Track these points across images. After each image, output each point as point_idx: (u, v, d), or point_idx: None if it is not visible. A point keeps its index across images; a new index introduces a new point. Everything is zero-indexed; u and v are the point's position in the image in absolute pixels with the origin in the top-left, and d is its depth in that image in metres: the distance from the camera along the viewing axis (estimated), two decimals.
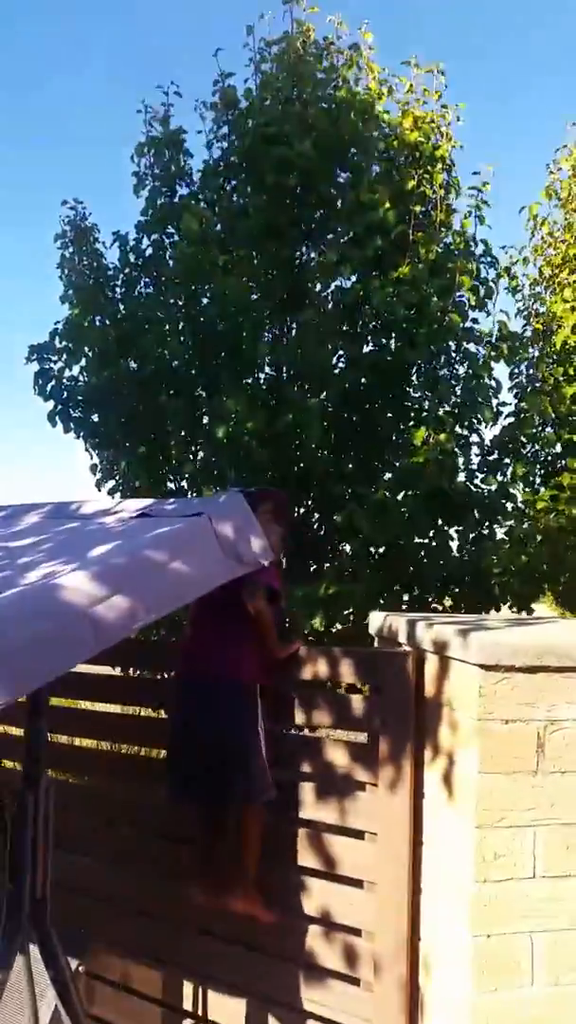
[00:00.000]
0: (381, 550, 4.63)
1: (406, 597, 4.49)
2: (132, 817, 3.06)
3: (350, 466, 4.45)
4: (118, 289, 5.22)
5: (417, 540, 4.57)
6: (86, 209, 5.53)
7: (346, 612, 4.07)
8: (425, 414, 4.81)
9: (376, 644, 2.84)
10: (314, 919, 2.54)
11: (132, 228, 5.27)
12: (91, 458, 4.78)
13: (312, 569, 4.38)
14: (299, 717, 2.60)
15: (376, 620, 2.83)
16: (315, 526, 4.50)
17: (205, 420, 4.31)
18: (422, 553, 4.61)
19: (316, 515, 4.53)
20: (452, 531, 4.82)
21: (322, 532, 4.41)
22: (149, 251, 5.28)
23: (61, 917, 2.09)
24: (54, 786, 2.04)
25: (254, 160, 5.07)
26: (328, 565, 4.03)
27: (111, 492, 5.12)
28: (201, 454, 4.43)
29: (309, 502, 4.61)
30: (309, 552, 4.55)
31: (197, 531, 2.39)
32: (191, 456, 4.46)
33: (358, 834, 2.49)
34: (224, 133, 5.15)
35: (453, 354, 5.08)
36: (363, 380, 4.70)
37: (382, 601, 4.24)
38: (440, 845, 2.31)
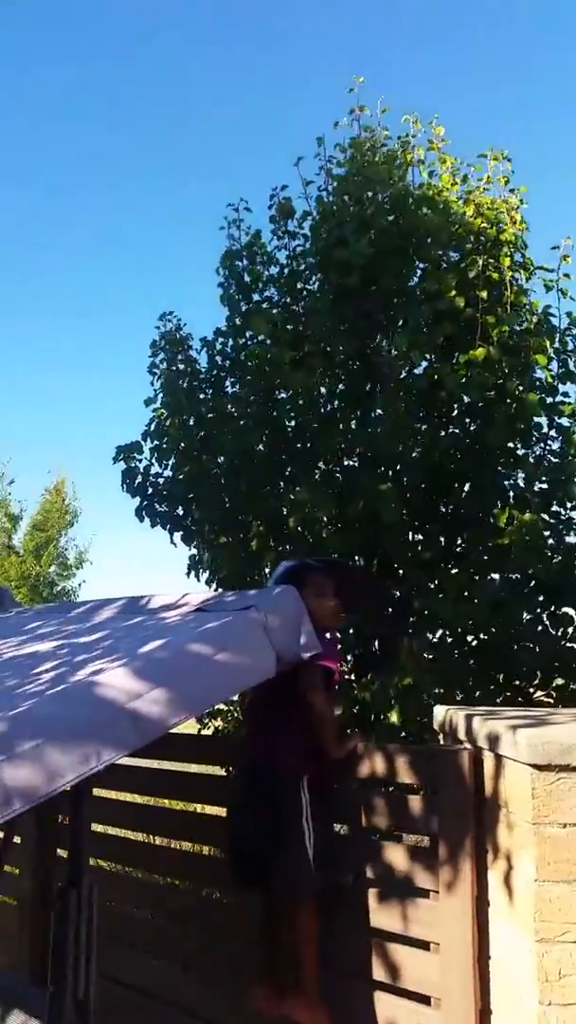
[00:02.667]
0: (471, 639, 4.51)
1: (494, 687, 4.31)
2: (195, 916, 3.04)
3: (428, 553, 4.39)
4: (208, 391, 5.52)
5: (512, 629, 4.44)
6: (181, 320, 5.93)
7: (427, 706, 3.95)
8: (512, 496, 4.73)
9: (441, 741, 2.75)
10: None
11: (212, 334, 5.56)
12: (176, 549, 4.98)
13: (391, 660, 4.29)
14: (358, 817, 2.53)
15: (439, 714, 2.74)
16: (394, 614, 4.44)
17: (284, 511, 4.39)
18: (516, 642, 4.45)
19: (395, 603, 4.46)
20: (546, 616, 4.65)
21: (401, 620, 4.34)
22: (231, 355, 5.55)
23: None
24: (100, 884, 2.06)
25: (324, 264, 5.32)
26: (406, 655, 3.93)
27: (207, 583, 5.26)
28: (281, 545, 4.50)
29: (388, 589, 4.56)
30: (388, 642, 4.48)
31: (246, 624, 2.42)
32: (271, 546, 4.54)
33: (424, 944, 2.36)
34: (285, 242, 5.42)
35: (544, 431, 5.01)
36: (440, 464, 4.68)
37: (462, 695, 4.10)
38: (506, 961, 2.15)
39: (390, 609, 4.46)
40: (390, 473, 4.61)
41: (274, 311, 5.51)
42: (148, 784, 3.40)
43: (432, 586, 4.34)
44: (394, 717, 3.72)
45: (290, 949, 2.46)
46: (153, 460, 4.95)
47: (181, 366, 5.60)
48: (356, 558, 4.46)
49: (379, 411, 4.73)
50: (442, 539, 4.60)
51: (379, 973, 2.41)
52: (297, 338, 5.13)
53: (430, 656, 4.03)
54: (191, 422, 4.89)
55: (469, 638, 4.50)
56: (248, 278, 5.68)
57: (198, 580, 5.27)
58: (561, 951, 1.97)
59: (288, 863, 2.36)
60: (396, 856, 2.42)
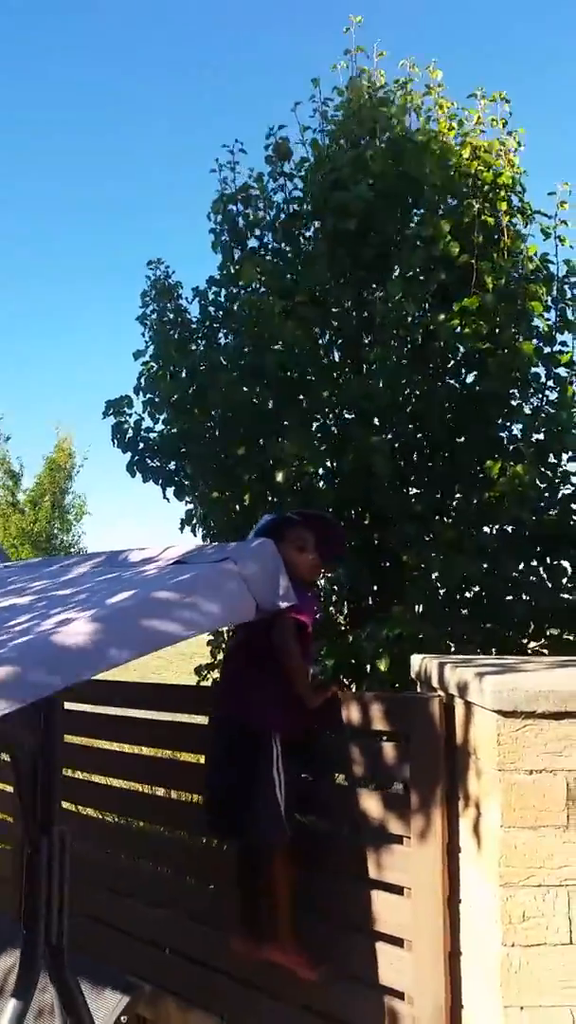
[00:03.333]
0: (467, 590, 4.50)
1: (487, 639, 4.30)
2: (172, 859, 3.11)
3: (420, 505, 4.34)
4: (200, 343, 5.43)
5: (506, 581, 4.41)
6: (169, 267, 5.81)
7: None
8: (507, 447, 4.67)
9: (418, 689, 2.74)
10: (357, 978, 2.44)
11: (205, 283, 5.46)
12: (170, 504, 4.97)
13: (385, 611, 4.28)
14: (332, 766, 2.54)
15: (415, 663, 2.73)
16: (386, 566, 4.42)
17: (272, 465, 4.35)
18: (509, 594, 4.43)
19: (387, 556, 4.44)
20: (542, 569, 4.61)
21: (393, 572, 4.32)
22: (224, 304, 5.45)
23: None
24: (71, 832, 2.08)
25: (320, 208, 5.19)
26: (397, 607, 3.92)
27: (203, 539, 5.25)
28: (274, 499, 4.46)
29: (378, 542, 4.53)
30: (380, 593, 4.47)
31: (221, 574, 2.41)
32: (264, 500, 4.51)
33: (399, 890, 2.38)
34: (282, 184, 5.28)
35: (542, 382, 4.91)
36: (435, 415, 4.61)
37: (454, 646, 4.09)
38: (475, 905, 2.17)
39: (387, 563, 4.44)
40: (385, 426, 4.55)
41: (268, 258, 5.40)
42: (145, 736, 3.43)
43: (426, 539, 4.30)
44: (383, 666, 3.72)
45: (265, 896, 2.49)
46: (144, 414, 4.91)
47: (171, 315, 5.51)
48: (350, 512, 4.43)
49: (373, 362, 4.65)
50: (436, 492, 4.55)
51: (355, 917, 2.44)
52: (289, 286, 5.04)
53: (421, 608, 4.01)
54: (183, 374, 4.83)
55: (466, 590, 4.49)
56: (243, 223, 5.55)
57: (194, 535, 5.27)
58: (525, 895, 1.98)
59: (259, 813, 2.37)
60: (370, 804, 2.43)
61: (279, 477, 4.02)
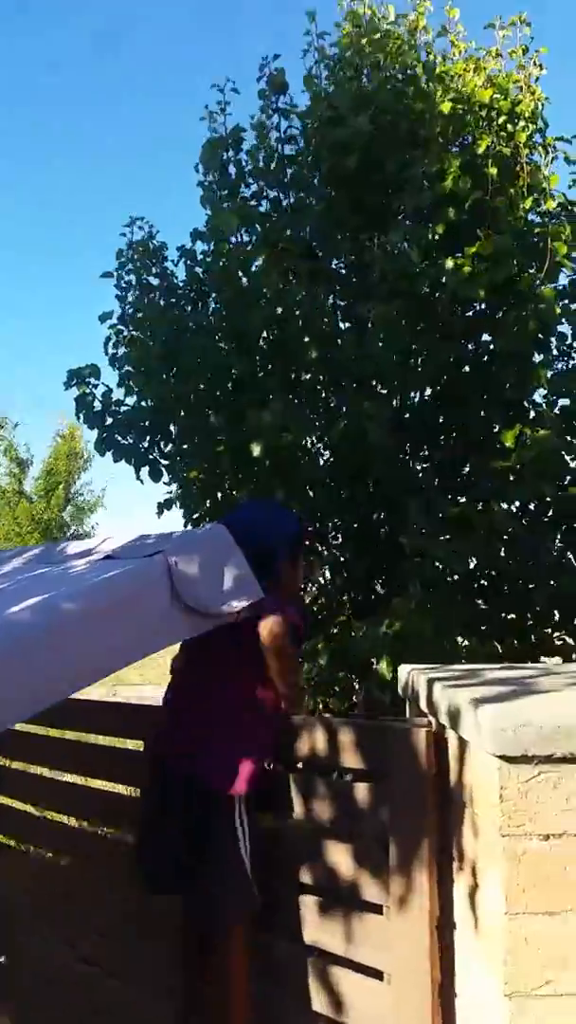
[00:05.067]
0: (480, 576, 3.92)
1: (504, 631, 3.73)
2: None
3: (423, 480, 3.76)
4: (186, 307, 4.86)
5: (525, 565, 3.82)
6: (153, 227, 5.23)
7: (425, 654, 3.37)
8: (526, 413, 4.08)
9: (407, 709, 2.19)
10: None
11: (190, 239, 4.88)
12: (144, 485, 4.42)
13: (382, 603, 3.72)
14: (295, 807, 2.00)
15: (402, 676, 2.17)
16: (389, 550, 3.84)
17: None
18: (529, 580, 3.85)
19: (391, 538, 3.86)
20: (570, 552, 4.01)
21: (396, 557, 3.74)
22: (211, 263, 4.87)
23: None
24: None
25: (317, 147, 4.59)
26: (397, 597, 3.36)
27: (184, 524, 4.72)
28: (252, 478, 3.90)
29: (381, 523, 3.96)
30: (386, 582, 3.91)
31: (141, 578, 1.90)
32: (245, 480, 3.95)
33: (377, 973, 1.84)
34: (276, 123, 4.67)
35: (569, 343, 4.30)
36: (441, 378, 4.03)
37: (466, 640, 3.52)
38: (475, 1005, 1.62)
39: (389, 547, 3.86)
40: (384, 391, 3.97)
41: (260, 206, 4.82)
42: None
43: (431, 518, 3.72)
44: (384, 669, 3.16)
45: (217, 981, 1.98)
46: (114, 386, 4.35)
47: (155, 280, 4.95)
48: (344, 491, 3.85)
49: (371, 319, 4.06)
50: (443, 465, 3.97)
51: (320, 1004, 1.91)
52: (278, 236, 4.46)
53: (423, 598, 3.44)
54: (155, 339, 4.27)
55: (479, 576, 3.91)
56: (234, 171, 4.95)
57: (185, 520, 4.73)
58: (540, 1009, 1.42)
59: (221, 889, 1.87)
60: (340, 859, 1.89)
61: (256, 451, 3.46)
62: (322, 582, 4.37)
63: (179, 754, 2.04)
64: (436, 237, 4.04)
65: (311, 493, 4.00)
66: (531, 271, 3.96)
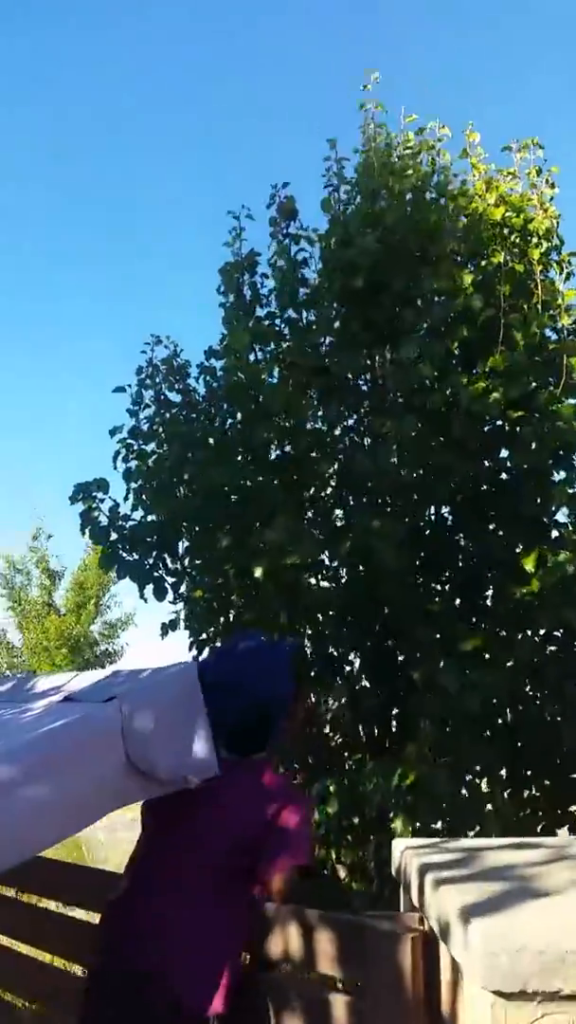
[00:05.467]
0: (500, 715, 3.60)
1: (531, 779, 3.38)
2: None
3: (437, 606, 3.52)
4: (205, 423, 4.82)
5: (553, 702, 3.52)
6: (178, 345, 5.27)
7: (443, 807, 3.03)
8: (547, 533, 3.86)
9: (401, 898, 1.87)
10: None
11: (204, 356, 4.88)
12: (147, 604, 4.24)
13: (401, 740, 3.42)
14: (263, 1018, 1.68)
15: (395, 854, 1.86)
16: (400, 680, 3.56)
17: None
18: (558, 717, 3.53)
19: (401, 666, 3.60)
20: None
21: (410, 692, 3.46)
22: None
23: None
24: None
25: (328, 268, 4.62)
26: (411, 744, 3.06)
27: (191, 648, 4.48)
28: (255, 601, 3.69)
29: (386, 649, 3.70)
30: (402, 718, 3.61)
31: (92, 728, 1.68)
32: (251, 602, 3.75)
33: None
34: (287, 246, 4.73)
35: None
36: (458, 496, 3.85)
37: (488, 788, 3.19)
38: None
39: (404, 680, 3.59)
40: (397, 509, 3.79)
41: (275, 325, 4.83)
42: None
43: (446, 648, 3.46)
44: (399, 827, 2.83)
45: None
46: (122, 500, 4.25)
47: (176, 396, 4.93)
48: (353, 616, 3.62)
49: (383, 435, 3.94)
50: (459, 589, 3.73)
51: None
52: (291, 354, 4.42)
53: (439, 737, 3.14)
54: (163, 453, 4.18)
55: (500, 715, 3.59)
56: (248, 292, 5.01)
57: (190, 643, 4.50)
58: None
59: None
60: None
61: (257, 571, 3.27)
62: (335, 713, 4.08)
63: (135, 960, 1.71)
64: (449, 353, 3.95)
65: (320, 616, 3.80)
66: (548, 388, 3.84)
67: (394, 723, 3.79)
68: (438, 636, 3.35)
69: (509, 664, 3.34)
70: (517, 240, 4.34)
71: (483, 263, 4.24)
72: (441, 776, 2.84)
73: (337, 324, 4.58)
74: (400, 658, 3.68)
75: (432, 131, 5.04)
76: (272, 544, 3.27)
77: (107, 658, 15.87)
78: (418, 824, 2.99)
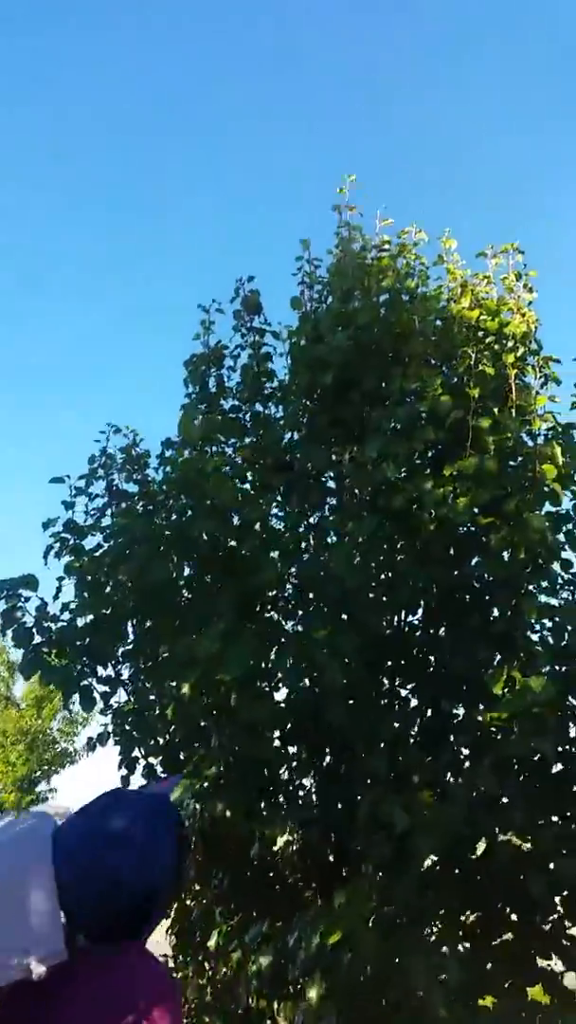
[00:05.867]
0: (461, 856, 3.13)
1: (496, 935, 2.88)
2: None
3: (389, 731, 3.11)
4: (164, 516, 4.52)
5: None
6: (137, 434, 5.06)
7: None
8: (519, 652, 3.50)
9: None
10: None
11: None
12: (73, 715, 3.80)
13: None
14: None
15: None
16: (348, 815, 3.10)
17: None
18: (526, 861, 3.06)
19: (348, 802, 3.14)
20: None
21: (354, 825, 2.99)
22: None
23: None
24: None
25: (298, 368, 4.46)
26: (341, 892, 2.59)
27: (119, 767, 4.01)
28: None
29: (338, 775, 3.26)
30: (337, 861, 3.14)
31: None
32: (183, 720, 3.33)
33: None
34: (250, 339, 4.60)
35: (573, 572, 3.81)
36: (420, 606, 3.52)
37: (446, 946, 2.70)
38: None
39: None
40: (351, 617, 3.44)
41: (239, 418, 4.63)
42: None
43: (399, 780, 3.03)
44: (313, 996, 2.33)
45: None
46: (51, 599, 3.86)
47: (134, 487, 4.66)
48: (284, 748, 3.20)
49: (340, 535, 3.65)
50: (418, 712, 3.34)
51: None
52: (249, 447, 4.20)
53: (385, 884, 2.67)
54: (109, 551, 3.85)
55: (460, 856, 3.12)
56: (213, 384, 4.84)
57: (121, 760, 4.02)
58: None
59: None
60: None
61: (184, 688, 2.88)
62: (281, 849, 3.59)
63: None
64: (415, 454, 3.71)
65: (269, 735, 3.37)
66: (522, 495, 3.58)
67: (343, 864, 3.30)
68: (393, 764, 2.93)
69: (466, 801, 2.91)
70: (492, 343, 4.19)
71: (455, 365, 4.08)
72: (370, 937, 2.36)
73: (304, 420, 4.39)
74: (343, 790, 3.24)
75: (409, 235, 5.00)
76: (202, 655, 2.89)
77: (66, 758, 14.92)
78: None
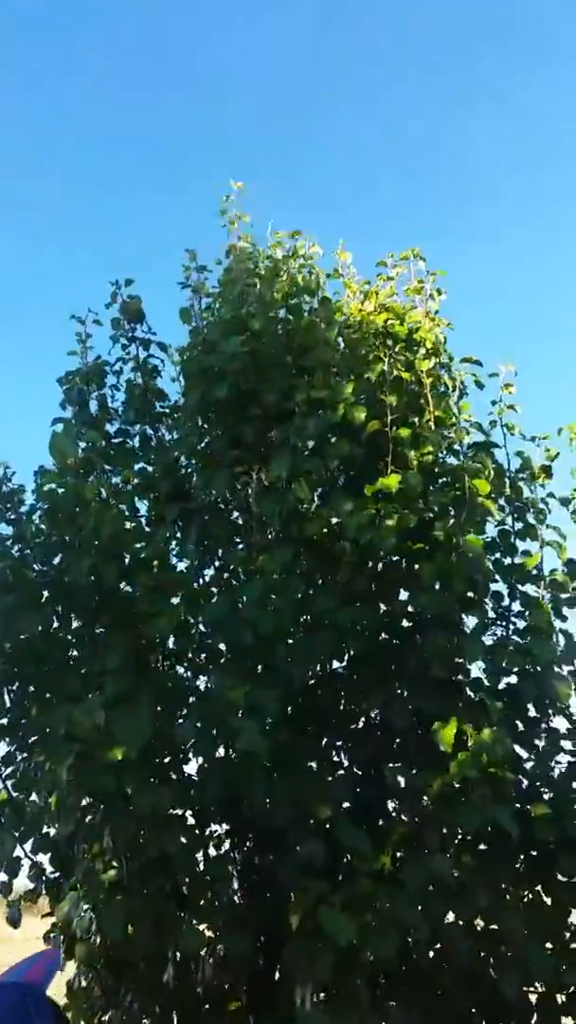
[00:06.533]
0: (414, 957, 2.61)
1: None
2: None
3: (325, 805, 2.56)
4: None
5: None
6: (8, 467, 4.34)
7: None
8: (463, 698, 3.03)
9: None
10: None
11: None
12: None
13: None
14: None
15: None
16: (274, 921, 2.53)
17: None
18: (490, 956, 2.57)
19: (268, 900, 2.58)
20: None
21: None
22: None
23: None
24: None
25: (190, 383, 3.91)
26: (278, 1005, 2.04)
27: None
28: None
29: (264, 866, 2.69)
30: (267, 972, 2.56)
31: None
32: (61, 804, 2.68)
33: None
34: (131, 352, 4.02)
35: (507, 604, 3.40)
36: (348, 648, 3.02)
37: None
38: None
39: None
40: (265, 670, 2.89)
41: (127, 443, 4.03)
42: None
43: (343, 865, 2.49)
44: None
45: None
46: None
47: (8, 528, 3.96)
48: (198, 833, 2.62)
49: (250, 572, 3.11)
50: (352, 779, 2.81)
51: None
52: (144, 476, 3.62)
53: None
54: None
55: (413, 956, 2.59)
56: (95, 405, 4.20)
57: None
58: None
59: None
60: None
61: (62, 771, 2.26)
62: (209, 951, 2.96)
63: None
64: (329, 472, 3.24)
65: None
66: (450, 517, 3.15)
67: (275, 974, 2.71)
68: (331, 849, 2.39)
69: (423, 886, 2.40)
70: (403, 349, 3.78)
71: (365, 373, 3.64)
72: None
73: (200, 443, 3.84)
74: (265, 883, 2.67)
75: (304, 248, 4.56)
76: (82, 729, 2.27)
77: None
78: None
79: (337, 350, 3.75)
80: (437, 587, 3.02)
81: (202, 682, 3.05)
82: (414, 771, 2.65)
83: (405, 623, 3.17)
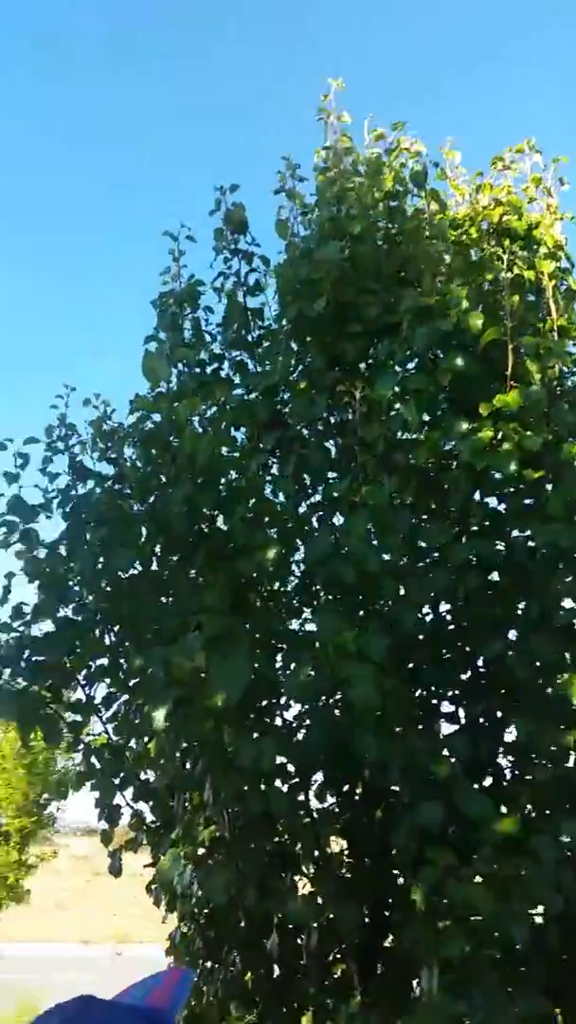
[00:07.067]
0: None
1: None
2: None
3: (444, 767, 2.32)
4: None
5: None
6: (109, 405, 4.18)
7: None
8: None
9: None
10: None
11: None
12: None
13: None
14: None
15: None
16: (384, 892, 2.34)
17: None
18: None
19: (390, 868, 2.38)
20: None
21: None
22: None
23: None
24: None
25: (286, 298, 3.58)
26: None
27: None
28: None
29: (373, 830, 2.50)
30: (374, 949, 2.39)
31: None
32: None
33: None
34: (235, 268, 3.70)
35: None
36: (462, 592, 2.72)
37: None
38: None
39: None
40: (373, 612, 2.64)
41: (222, 369, 3.78)
42: None
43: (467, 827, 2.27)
44: None
45: None
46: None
47: (110, 468, 3.81)
48: (299, 793, 2.43)
49: (353, 505, 2.83)
50: (467, 736, 2.55)
51: None
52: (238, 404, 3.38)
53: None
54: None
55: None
56: (190, 329, 3.94)
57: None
58: None
59: None
60: None
61: (158, 718, 2.10)
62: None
63: None
64: (440, 391, 2.89)
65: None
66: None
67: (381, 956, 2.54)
68: (451, 814, 2.16)
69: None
70: (520, 250, 3.33)
71: (477, 281, 3.23)
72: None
73: (296, 367, 3.54)
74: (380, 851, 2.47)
75: (407, 142, 4.07)
76: (179, 673, 2.10)
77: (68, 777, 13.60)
78: None
79: (447, 250, 3.33)
80: (563, 519, 2.67)
81: (295, 624, 2.83)
82: (534, 728, 2.36)
83: (526, 560, 2.82)
